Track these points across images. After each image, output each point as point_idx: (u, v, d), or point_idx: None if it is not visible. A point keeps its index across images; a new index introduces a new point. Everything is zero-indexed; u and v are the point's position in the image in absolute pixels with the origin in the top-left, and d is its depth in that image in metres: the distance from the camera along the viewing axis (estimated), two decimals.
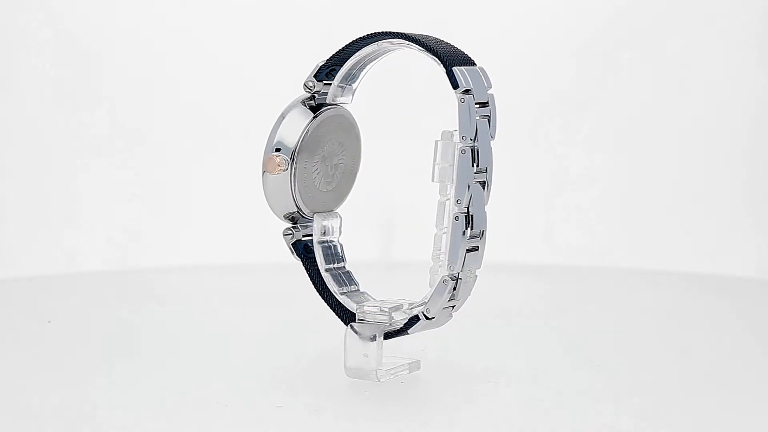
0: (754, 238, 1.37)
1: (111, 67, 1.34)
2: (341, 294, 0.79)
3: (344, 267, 0.81)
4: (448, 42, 0.76)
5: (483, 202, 0.74)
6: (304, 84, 0.78)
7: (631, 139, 1.37)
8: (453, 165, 0.74)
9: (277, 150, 0.77)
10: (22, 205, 1.35)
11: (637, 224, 1.37)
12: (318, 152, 0.79)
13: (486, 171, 0.74)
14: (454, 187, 0.74)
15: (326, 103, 0.79)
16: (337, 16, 1.34)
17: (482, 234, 0.75)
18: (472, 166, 0.73)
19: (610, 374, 0.81)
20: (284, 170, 0.77)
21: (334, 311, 0.79)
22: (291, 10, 1.36)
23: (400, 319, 0.77)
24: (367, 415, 0.72)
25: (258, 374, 0.80)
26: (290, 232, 0.80)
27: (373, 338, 0.76)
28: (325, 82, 0.78)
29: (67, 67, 1.34)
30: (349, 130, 0.80)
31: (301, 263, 0.80)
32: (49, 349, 0.87)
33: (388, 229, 1.35)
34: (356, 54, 0.77)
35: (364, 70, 0.79)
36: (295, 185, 0.78)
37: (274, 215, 0.80)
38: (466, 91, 0.73)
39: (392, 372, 0.77)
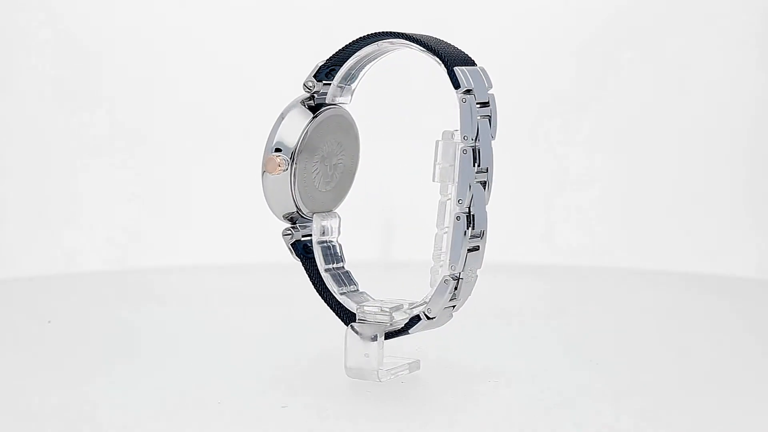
0: (754, 238, 1.37)
1: (111, 67, 1.34)
2: (341, 294, 0.79)
3: (343, 267, 0.81)
4: (448, 42, 0.76)
5: (484, 202, 0.74)
6: (304, 84, 0.78)
7: (631, 139, 1.37)
8: (454, 165, 0.74)
9: (277, 150, 0.77)
10: (22, 205, 1.35)
11: (637, 224, 1.37)
12: (317, 152, 0.79)
13: (487, 171, 0.74)
14: (455, 187, 0.74)
15: (325, 103, 0.79)
16: (337, 16, 1.34)
17: (483, 234, 0.75)
18: (474, 165, 0.73)
19: (610, 374, 0.81)
20: (284, 170, 0.77)
21: (333, 311, 0.79)
22: (291, 10, 1.36)
23: (400, 319, 0.77)
24: (367, 415, 0.72)
25: (258, 374, 0.80)
26: (289, 232, 0.80)
27: (374, 338, 0.76)
28: (324, 82, 0.78)
29: (67, 67, 1.34)
30: (347, 130, 0.80)
31: (300, 263, 0.80)
32: (49, 349, 0.87)
33: (388, 229, 1.35)
34: (356, 54, 0.77)
35: (364, 70, 0.79)
36: (294, 185, 0.78)
37: (273, 215, 0.80)
38: (468, 91, 0.73)
39: (393, 372, 0.77)
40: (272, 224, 0.81)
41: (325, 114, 0.79)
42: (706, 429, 0.71)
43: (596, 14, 1.35)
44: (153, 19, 1.35)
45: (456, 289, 0.75)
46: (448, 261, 0.74)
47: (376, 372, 0.76)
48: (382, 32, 0.76)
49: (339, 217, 0.81)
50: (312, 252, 0.80)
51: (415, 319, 0.76)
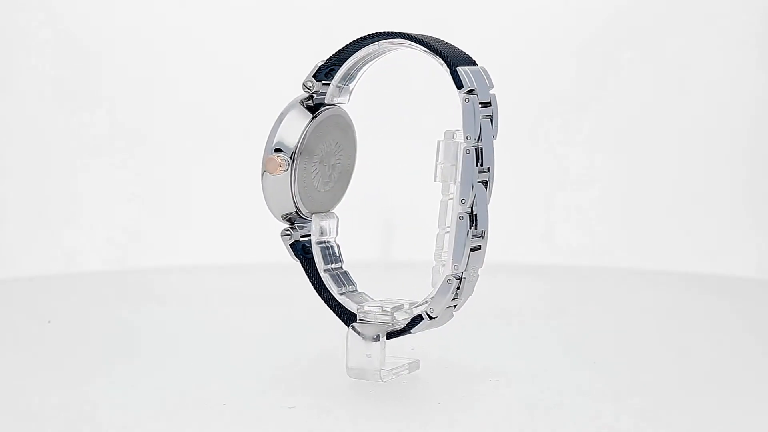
0: (754, 238, 1.37)
1: (111, 67, 1.34)
2: (340, 294, 0.79)
3: (342, 267, 0.81)
4: (449, 42, 0.76)
5: (486, 202, 0.75)
6: (303, 84, 0.78)
7: (631, 139, 1.37)
8: (456, 165, 0.74)
9: (277, 150, 0.77)
10: (22, 205, 1.35)
11: (637, 224, 1.37)
12: (317, 153, 0.79)
13: (488, 170, 0.74)
14: (458, 186, 0.74)
15: (324, 103, 0.79)
16: (337, 16, 1.34)
17: (484, 233, 0.75)
18: (476, 165, 0.73)
19: (610, 374, 0.81)
20: (285, 171, 0.77)
21: (333, 311, 0.79)
22: (291, 10, 1.36)
23: (401, 319, 0.77)
24: (367, 415, 0.72)
25: (258, 374, 0.80)
26: (288, 232, 0.80)
27: (376, 338, 0.76)
28: (323, 82, 0.78)
29: (67, 67, 1.34)
30: (345, 130, 0.81)
31: (299, 264, 0.80)
32: (49, 349, 0.87)
33: (388, 229, 1.35)
34: (356, 54, 0.77)
35: (362, 71, 0.79)
36: (294, 186, 0.78)
37: (272, 215, 0.79)
38: (470, 91, 0.73)
39: (394, 372, 0.77)
40: (272, 224, 0.81)
41: (324, 114, 0.79)
42: (706, 429, 0.71)
43: (596, 14, 1.35)
44: (153, 19, 1.35)
45: (458, 288, 0.75)
46: (450, 261, 0.74)
47: (378, 372, 0.76)
48: (384, 32, 0.76)
49: (337, 217, 0.81)
50: (311, 252, 0.80)
51: (417, 319, 0.76)
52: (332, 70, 0.78)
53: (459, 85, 0.73)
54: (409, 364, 0.79)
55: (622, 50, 1.36)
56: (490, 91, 0.75)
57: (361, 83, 0.80)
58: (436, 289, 0.75)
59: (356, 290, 0.80)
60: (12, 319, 0.99)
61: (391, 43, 0.76)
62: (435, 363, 0.82)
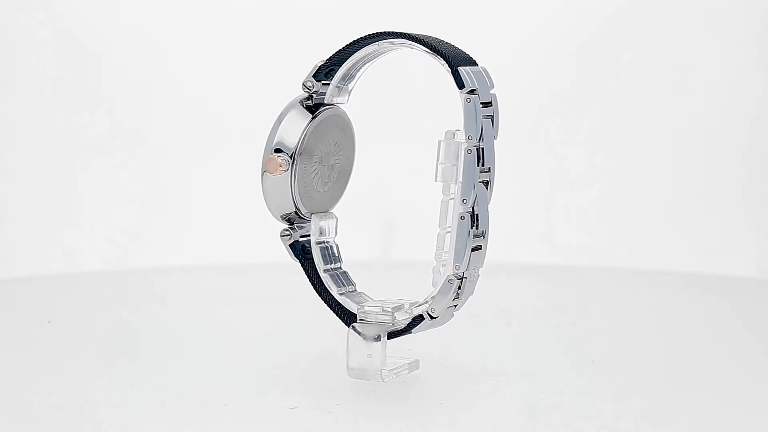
0: (754, 238, 1.37)
1: (111, 67, 1.34)
2: (340, 294, 0.79)
3: (341, 267, 0.81)
4: (449, 42, 0.76)
5: (487, 202, 0.75)
6: (303, 84, 0.78)
7: (631, 139, 1.37)
8: (456, 164, 0.74)
9: (277, 151, 0.77)
10: (22, 205, 1.35)
11: (637, 224, 1.37)
12: (316, 153, 0.79)
13: (489, 170, 0.74)
14: (460, 186, 0.74)
15: (323, 103, 0.79)
16: (337, 16, 1.34)
17: (484, 233, 0.75)
18: (478, 165, 0.73)
19: (610, 374, 0.81)
20: (285, 171, 0.77)
21: (333, 312, 0.79)
22: (291, 10, 1.36)
23: (402, 318, 0.77)
24: (367, 414, 0.72)
25: (258, 374, 0.80)
26: (288, 233, 0.80)
27: (377, 338, 0.76)
28: (323, 82, 0.78)
29: (67, 67, 1.34)
30: (344, 130, 0.81)
31: (299, 264, 0.80)
32: (49, 349, 0.87)
33: (388, 229, 1.35)
34: (356, 54, 0.77)
35: (361, 71, 0.79)
36: (294, 186, 0.78)
37: (271, 216, 0.79)
38: (472, 91, 0.74)
39: (395, 372, 0.77)
40: (272, 224, 0.81)
41: (323, 114, 0.79)
42: (706, 429, 0.71)
43: (596, 14, 1.35)
44: (153, 19, 1.35)
45: (459, 288, 0.75)
46: (451, 260, 0.74)
47: (379, 372, 0.76)
48: (384, 32, 0.76)
49: (336, 217, 0.81)
50: (310, 252, 0.80)
51: (417, 319, 0.76)
52: (332, 70, 0.78)
53: (460, 85, 0.74)
54: (409, 364, 0.79)
55: (622, 50, 1.36)
56: (491, 91, 0.75)
57: (361, 83, 0.80)
58: (438, 289, 0.75)
59: (356, 290, 0.80)
60: (12, 319, 0.99)
61: (392, 43, 0.76)
62: (435, 363, 0.82)
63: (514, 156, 1.33)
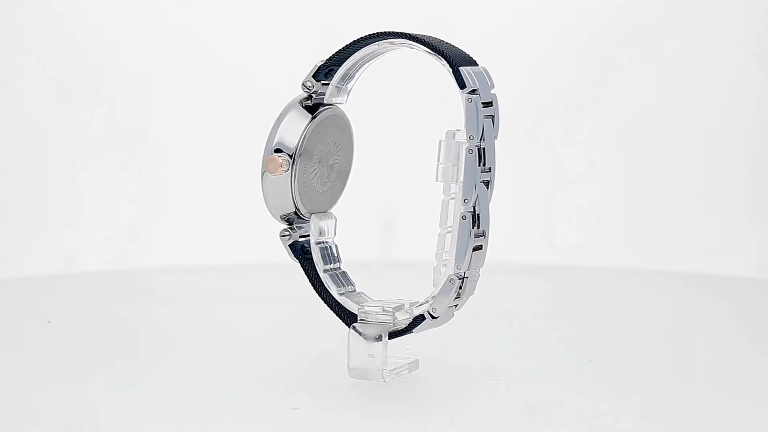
0: (754, 238, 1.37)
1: (111, 67, 1.34)
2: (340, 295, 0.79)
3: (340, 267, 0.81)
4: (449, 42, 0.76)
5: (488, 201, 0.75)
6: (303, 84, 0.78)
7: (631, 139, 1.37)
8: (457, 164, 0.74)
9: (277, 151, 0.77)
10: (22, 205, 1.35)
11: (637, 224, 1.37)
12: (316, 153, 0.79)
13: (490, 170, 0.74)
14: (461, 186, 0.74)
15: (323, 103, 0.79)
16: (337, 16, 1.34)
17: (485, 233, 0.75)
18: (479, 165, 0.74)
19: (610, 374, 0.81)
20: (286, 171, 0.77)
21: (334, 312, 0.79)
22: (291, 10, 1.36)
23: (403, 318, 0.77)
24: (367, 414, 0.72)
25: (258, 374, 0.80)
26: (288, 233, 0.80)
27: (379, 338, 0.76)
28: (323, 82, 0.78)
29: (67, 67, 1.34)
30: (343, 130, 0.81)
31: (299, 265, 0.80)
32: (49, 349, 0.87)
33: (388, 229, 1.35)
34: (356, 54, 0.77)
35: (361, 71, 0.79)
36: (294, 186, 0.78)
37: (271, 216, 0.79)
38: (473, 91, 0.74)
39: (395, 372, 0.77)
40: (272, 224, 0.81)
41: (323, 114, 0.79)
42: (706, 429, 0.71)
43: (596, 14, 1.35)
44: (153, 19, 1.35)
45: (460, 288, 0.75)
46: (453, 260, 0.74)
47: (380, 372, 0.76)
48: (385, 32, 0.76)
49: (335, 217, 0.81)
50: (309, 253, 0.80)
51: (418, 319, 0.76)
52: (332, 70, 0.78)
53: (462, 85, 0.74)
54: (408, 363, 0.79)
55: (622, 50, 1.36)
56: (492, 91, 0.75)
57: (361, 83, 0.80)
58: (439, 289, 0.75)
59: (355, 290, 0.80)
60: (12, 319, 0.99)
61: (392, 43, 0.76)
62: (435, 363, 0.82)
63: (514, 156, 1.33)
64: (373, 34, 0.76)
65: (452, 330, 0.81)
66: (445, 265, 0.75)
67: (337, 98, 0.79)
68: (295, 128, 0.78)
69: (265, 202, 0.79)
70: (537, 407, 0.74)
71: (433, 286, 0.76)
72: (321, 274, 0.80)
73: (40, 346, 0.88)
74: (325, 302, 0.80)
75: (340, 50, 0.78)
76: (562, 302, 1.10)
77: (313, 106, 0.78)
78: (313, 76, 0.78)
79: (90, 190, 1.35)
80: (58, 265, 1.32)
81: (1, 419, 0.71)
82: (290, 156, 0.77)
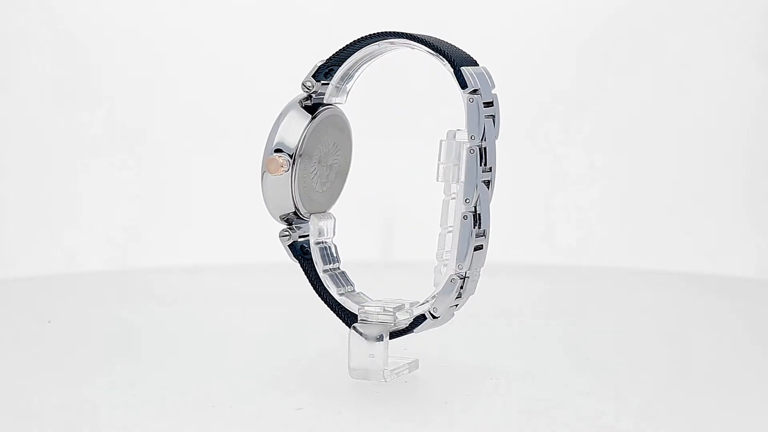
0: (754, 238, 1.37)
1: (111, 67, 1.34)
2: (340, 295, 0.79)
3: (339, 267, 0.81)
4: (450, 42, 0.76)
5: (489, 201, 0.75)
6: (303, 84, 0.78)
7: (631, 139, 1.37)
8: (458, 164, 0.74)
9: (278, 151, 0.77)
10: (22, 205, 1.35)
11: (637, 224, 1.37)
12: (315, 153, 0.79)
13: (491, 170, 0.74)
14: (462, 186, 0.74)
15: (322, 103, 0.79)
16: (337, 16, 1.34)
17: (486, 232, 0.75)
18: (480, 165, 0.74)
19: (610, 374, 0.81)
20: (286, 171, 0.77)
21: (334, 312, 0.79)
22: (291, 10, 1.36)
23: (403, 318, 0.77)
24: (367, 414, 0.72)
25: (258, 374, 0.80)
26: (287, 233, 0.80)
27: (380, 338, 0.76)
28: (322, 82, 0.78)
29: (67, 67, 1.34)
30: (342, 130, 0.81)
31: (299, 265, 0.80)
32: (49, 349, 0.87)
33: (388, 229, 1.35)
34: (356, 54, 0.77)
35: (360, 71, 0.79)
36: (295, 186, 0.78)
37: (270, 216, 0.79)
38: (475, 91, 0.74)
39: (396, 372, 0.77)
40: (272, 224, 0.81)
41: (323, 115, 0.79)
42: (706, 429, 0.71)
43: (596, 14, 1.35)
44: (153, 19, 1.35)
45: (462, 287, 0.75)
46: (454, 260, 0.74)
47: (381, 372, 0.76)
48: (386, 32, 0.76)
49: (334, 217, 0.81)
50: (309, 253, 0.80)
51: (420, 319, 0.76)
52: (331, 70, 0.78)
53: (463, 85, 0.74)
54: (408, 363, 0.79)
55: (622, 50, 1.36)
56: (493, 91, 0.75)
57: (362, 83, 0.80)
58: (440, 289, 0.75)
59: (354, 290, 0.80)
60: (12, 319, 0.99)
61: (392, 43, 0.76)
62: (435, 363, 0.82)
63: (514, 156, 1.33)
64: (373, 34, 0.76)
65: (452, 330, 0.81)
66: (446, 265, 0.75)
67: (337, 98, 0.79)
68: (295, 128, 0.78)
69: (265, 202, 0.79)
70: (537, 407, 0.74)
71: (434, 285, 0.76)
72: (321, 275, 0.80)
73: (40, 346, 0.88)
74: (325, 302, 0.80)
75: (340, 50, 0.78)
76: (562, 302, 1.10)
77: (312, 106, 0.78)
78: (313, 76, 0.78)
79: (90, 190, 1.35)
80: (58, 265, 1.32)
81: (1, 419, 0.71)
82: (290, 156, 0.77)
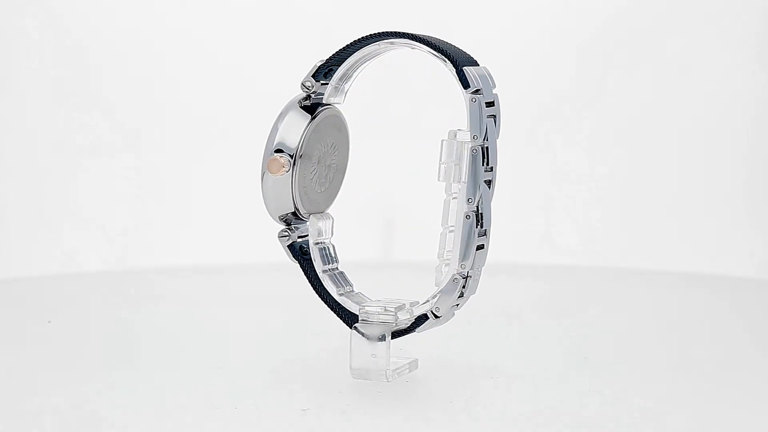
0: (754, 238, 1.37)
1: (111, 67, 1.34)
2: (340, 295, 0.79)
3: (338, 267, 0.81)
4: (450, 42, 0.76)
5: (490, 201, 0.75)
6: (302, 84, 0.78)
7: (631, 139, 1.37)
8: (459, 164, 0.74)
9: (278, 151, 0.77)
10: (22, 205, 1.35)
11: (637, 224, 1.37)
12: (315, 153, 0.79)
13: (492, 170, 0.75)
14: (464, 185, 0.74)
15: (321, 103, 0.79)
16: (337, 16, 1.34)
17: (487, 232, 0.75)
18: (482, 164, 0.74)
19: (610, 374, 0.81)
20: (287, 171, 0.77)
21: (334, 312, 0.79)
22: (291, 10, 1.36)
23: (404, 318, 0.77)
24: (367, 414, 0.72)
25: (258, 374, 0.80)
26: (286, 234, 0.80)
27: (382, 338, 0.76)
28: (322, 82, 0.78)
29: (67, 67, 1.34)
30: (340, 130, 0.81)
31: (298, 265, 0.80)
32: (49, 349, 0.87)
33: (388, 229, 1.35)
34: (355, 54, 0.77)
35: (359, 71, 0.79)
36: (295, 186, 0.78)
37: (269, 216, 0.79)
38: (477, 91, 0.74)
39: (398, 372, 0.77)
40: (271, 224, 0.81)
41: (322, 115, 0.79)
42: (706, 429, 0.71)
43: (596, 14, 1.35)
44: (153, 19, 1.35)
45: (464, 287, 0.75)
46: (456, 259, 0.74)
47: (383, 372, 0.76)
48: (387, 32, 0.76)
49: (332, 217, 0.81)
50: (308, 253, 0.80)
51: (421, 318, 0.76)
52: (331, 70, 0.78)
53: (465, 85, 0.74)
54: (409, 363, 0.79)
55: (622, 50, 1.36)
56: (494, 91, 0.75)
57: (362, 83, 0.80)
58: (442, 288, 0.75)
59: (353, 290, 0.80)
60: (12, 319, 0.99)
61: (392, 43, 0.76)
62: (435, 362, 0.82)
63: (514, 156, 1.33)
64: (374, 34, 0.76)
65: (452, 330, 0.81)
66: (447, 265, 0.75)
67: (335, 98, 0.79)
68: (295, 129, 0.78)
69: (265, 202, 0.79)
70: (537, 407, 0.74)
71: (436, 285, 0.76)
72: (320, 275, 0.80)
73: (40, 346, 0.88)
74: (325, 302, 0.80)
75: (340, 50, 0.78)
76: (562, 302, 1.10)
77: (311, 106, 0.78)
78: (313, 76, 0.78)
79: (90, 190, 1.35)
80: (58, 265, 1.32)
81: (1, 419, 0.71)
82: (291, 156, 0.77)
